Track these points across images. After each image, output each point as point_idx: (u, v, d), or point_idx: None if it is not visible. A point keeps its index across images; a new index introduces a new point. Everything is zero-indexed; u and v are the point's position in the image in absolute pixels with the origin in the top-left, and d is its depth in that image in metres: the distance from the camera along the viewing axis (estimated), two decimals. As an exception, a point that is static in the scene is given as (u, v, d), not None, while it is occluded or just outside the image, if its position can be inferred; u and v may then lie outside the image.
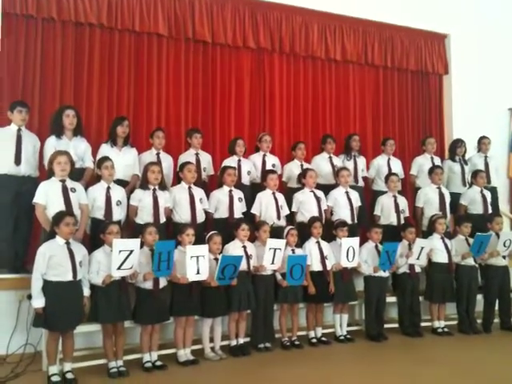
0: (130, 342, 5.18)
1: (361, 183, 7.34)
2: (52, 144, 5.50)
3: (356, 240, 6.00)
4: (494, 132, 8.49)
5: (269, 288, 5.64)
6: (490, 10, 9.23)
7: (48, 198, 4.89)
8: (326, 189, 6.72)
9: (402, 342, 6.07)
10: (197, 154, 6.51)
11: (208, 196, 6.08)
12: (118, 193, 5.44)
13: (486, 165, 7.79)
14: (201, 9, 7.40)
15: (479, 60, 9.03)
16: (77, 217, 4.80)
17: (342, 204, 6.58)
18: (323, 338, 5.92)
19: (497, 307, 6.70)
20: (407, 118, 9.00)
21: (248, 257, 5.48)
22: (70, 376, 4.48)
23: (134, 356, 5.02)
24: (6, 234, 5.41)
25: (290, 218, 6.40)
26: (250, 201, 6.27)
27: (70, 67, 6.70)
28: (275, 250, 5.48)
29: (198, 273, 5.01)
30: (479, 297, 6.67)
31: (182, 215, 5.74)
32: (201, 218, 5.88)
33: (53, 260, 4.39)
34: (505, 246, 6.54)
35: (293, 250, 5.78)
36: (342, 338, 6.01)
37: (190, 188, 5.84)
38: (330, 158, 7.18)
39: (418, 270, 6.36)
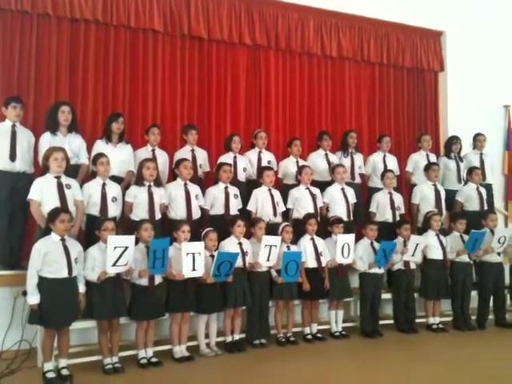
0: (125, 338, 5.16)
1: (358, 180, 7.35)
2: (47, 140, 5.48)
3: (351, 237, 6.01)
4: (490, 129, 8.50)
5: (264, 284, 5.65)
6: (485, 7, 9.24)
7: (43, 194, 4.87)
8: (322, 185, 6.72)
9: (397, 339, 6.09)
10: (193, 151, 6.50)
11: (204, 192, 6.07)
12: (113, 189, 5.42)
13: (482, 162, 7.81)
14: (196, 5, 7.39)
15: (475, 57, 9.03)
16: (72, 213, 4.78)
17: (338, 201, 6.58)
18: (318, 335, 5.93)
19: (491, 304, 6.72)
20: (403, 115, 9.01)
21: (243, 253, 5.48)
22: (65, 372, 4.48)
23: (130, 352, 5.02)
24: (0, 230, 5.40)
25: (286, 214, 6.41)
26: (245, 197, 6.26)
27: (65, 63, 6.68)
28: (271, 246, 5.49)
29: (193, 269, 5.01)
30: (474, 293, 6.69)
31: (178, 212, 5.73)
32: (196, 214, 5.87)
33: (48, 257, 4.38)
34: (499, 242, 6.55)
35: (288, 247, 5.78)
36: (337, 334, 6.02)
37: (185, 184, 5.83)
38: (326, 154, 7.18)
39: (412, 266, 6.38)
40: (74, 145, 5.67)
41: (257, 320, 5.59)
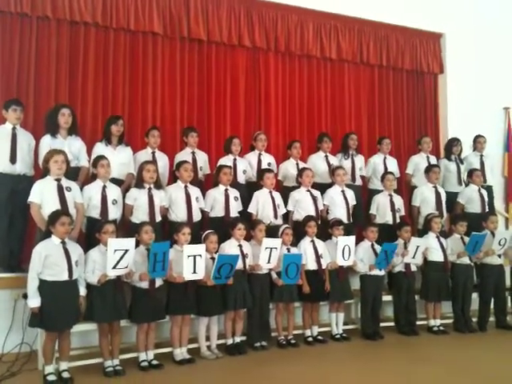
0: (126, 340, 5.16)
1: (359, 182, 7.34)
2: (47, 143, 5.47)
3: (352, 239, 6.01)
4: (490, 131, 8.50)
5: (264, 287, 5.64)
6: (485, 9, 9.24)
7: (43, 197, 4.87)
8: (322, 188, 6.72)
9: (398, 341, 6.08)
10: (193, 153, 6.50)
11: (204, 195, 6.07)
12: (113, 192, 5.42)
13: (482, 164, 7.81)
14: (196, 7, 7.38)
15: (474, 59, 9.04)
16: (72, 216, 4.78)
17: (338, 203, 6.58)
18: (319, 337, 5.92)
19: (492, 306, 6.71)
20: (402, 117, 9.01)
21: (244, 256, 5.47)
22: (65, 375, 4.47)
23: (130, 355, 5.01)
24: (1, 232, 5.40)
25: (286, 216, 6.41)
26: (245, 200, 6.26)
27: (65, 66, 6.67)
28: (271, 249, 5.48)
29: (194, 272, 5.00)
30: (474, 295, 6.68)
31: (178, 214, 5.73)
32: (197, 216, 5.87)
33: (48, 259, 4.38)
34: (500, 244, 6.55)
35: (288, 249, 5.78)
36: (337, 336, 6.01)
37: (186, 187, 5.83)
38: (326, 156, 7.18)
39: (413, 268, 6.38)
40: (74, 147, 5.66)
41: (257, 322, 5.58)
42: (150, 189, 5.54)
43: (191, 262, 4.97)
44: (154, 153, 6.27)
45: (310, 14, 8.16)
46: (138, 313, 4.89)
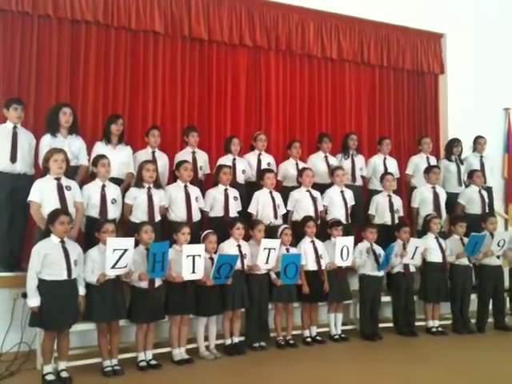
0: (124, 340, 5.16)
1: (359, 182, 7.35)
2: (47, 142, 5.48)
3: (350, 239, 6.01)
4: (490, 132, 8.51)
5: (263, 287, 5.64)
6: (485, 9, 9.23)
7: (43, 195, 4.87)
8: (322, 188, 6.73)
9: (397, 342, 6.08)
10: (193, 153, 6.50)
11: (204, 194, 6.07)
12: (113, 191, 5.42)
13: (482, 165, 7.81)
14: (197, 6, 7.38)
15: (475, 60, 9.03)
16: (72, 215, 4.78)
17: (337, 203, 6.58)
18: (318, 337, 5.93)
19: (491, 307, 6.72)
20: (403, 118, 9.00)
21: (242, 256, 5.48)
22: (64, 375, 4.48)
23: (129, 355, 5.02)
24: (0, 231, 5.40)
25: (286, 216, 6.41)
26: (244, 199, 6.27)
27: (66, 65, 6.66)
28: (269, 250, 5.49)
29: (193, 272, 5.01)
30: (473, 296, 6.69)
31: (178, 214, 5.73)
32: (196, 216, 5.87)
33: (48, 259, 4.38)
34: (499, 245, 6.55)
35: (287, 249, 5.78)
36: (336, 337, 6.02)
37: (185, 186, 5.84)
38: (326, 157, 7.18)
39: (412, 269, 6.38)
40: (74, 146, 5.66)
41: (256, 323, 5.59)
42: (149, 188, 5.54)
43: (190, 262, 4.97)
44: (154, 152, 6.27)
45: (311, 13, 8.15)
46: (137, 313, 4.90)
